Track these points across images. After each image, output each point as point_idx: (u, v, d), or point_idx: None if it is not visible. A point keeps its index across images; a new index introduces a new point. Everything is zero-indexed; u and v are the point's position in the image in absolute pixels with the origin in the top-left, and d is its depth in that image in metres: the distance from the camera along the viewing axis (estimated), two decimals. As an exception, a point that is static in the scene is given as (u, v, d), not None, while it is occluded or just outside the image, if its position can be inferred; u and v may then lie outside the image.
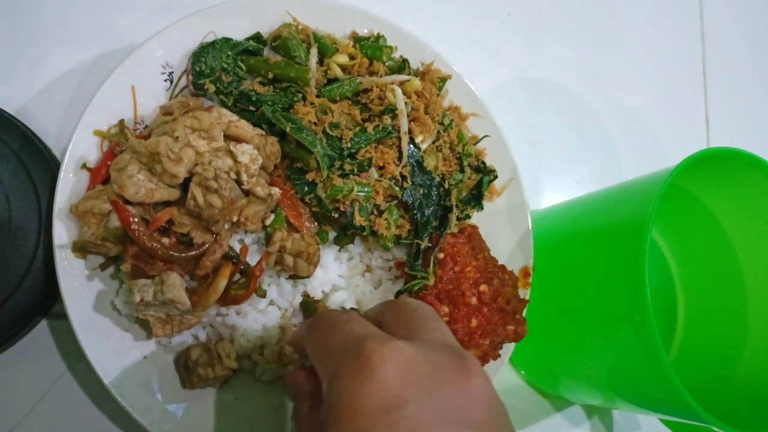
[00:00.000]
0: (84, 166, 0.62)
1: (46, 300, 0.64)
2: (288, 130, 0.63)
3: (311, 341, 0.47)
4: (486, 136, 0.76)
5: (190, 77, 0.67)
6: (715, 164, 0.69)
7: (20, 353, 0.65)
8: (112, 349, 0.60)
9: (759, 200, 0.72)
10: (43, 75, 0.73)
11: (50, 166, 0.66)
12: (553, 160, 0.96)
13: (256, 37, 0.70)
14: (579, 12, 1.05)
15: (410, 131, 0.68)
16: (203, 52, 0.66)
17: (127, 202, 0.57)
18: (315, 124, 0.65)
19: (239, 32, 0.69)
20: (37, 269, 0.63)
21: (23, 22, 0.74)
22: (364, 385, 0.39)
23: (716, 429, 0.60)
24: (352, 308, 0.56)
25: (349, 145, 0.65)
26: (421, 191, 0.68)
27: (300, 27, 0.71)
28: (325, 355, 0.45)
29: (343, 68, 0.70)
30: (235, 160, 0.60)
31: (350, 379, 0.40)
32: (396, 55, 0.74)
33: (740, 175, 0.70)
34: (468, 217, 0.73)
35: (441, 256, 0.66)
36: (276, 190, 0.62)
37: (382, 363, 0.39)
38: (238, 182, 0.60)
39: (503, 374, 0.79)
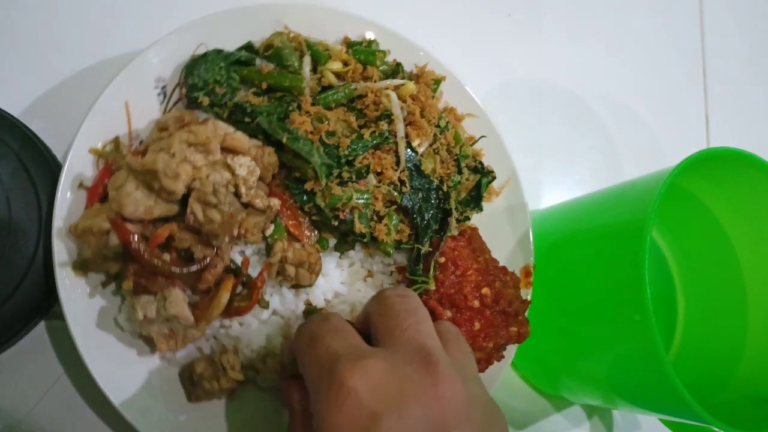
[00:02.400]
0: (81, 185, 0.61)
1: (46, 300, 0.64)
2: (284, 140, 0.63)
3: (298, 356, 0.52)
4: (483, 136, 0.76)
5: (184, 90, 0.66)
6: (715, 164, 0.69)
7: (20, 354, 0.65)
8: (117, 365, 0.60)
9: (759, 200, 0.72)
10: (44, 77, 0.73)
11: (50, 166, 0.66)
12: (553, 160, 0.96)
13: (248, 47, 0.69)
14: (579, 12, 1.05)
15: (407, 135, 0.68)
16: (195, 64, 0.66)
17: (126, 219, 0.57)
18: (311, 132, 0.65)
19: (231, 42, 0.69)
20: (37, 269, 0.63)
21: (26, 25, 0.74)
22: (339, 409, 0.43)
23: (716, 429, 0.60)
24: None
25: (347, 152, 0.65)
26: (420, 195, 0.68)
27: (292, 35, 0.71)
28: (308, 374, 0.49)
29: (337, 75, 0.70)
30: (233, 173, 0.60)
31: (327, 404, 0.44)
32: (389, 58, 0.74)
33: (740, 175, 0.70)
34: (467, 218, 0.73)
35: (442, 260, 0.65)
36: (275, 201, 0.62)
37: (353, 384, 0.43)
38: (237, 195, 0.60)
39: (503, 374, 0.79)
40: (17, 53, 0.73)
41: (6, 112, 0.66)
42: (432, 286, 0.64)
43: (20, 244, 0.62)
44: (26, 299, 0.63)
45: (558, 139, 0.98)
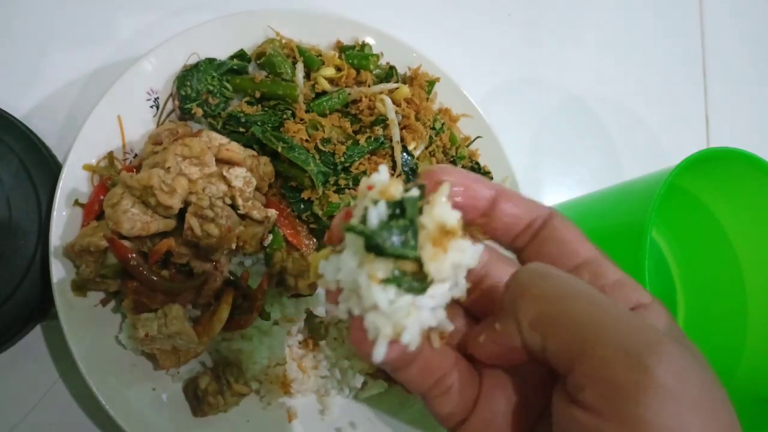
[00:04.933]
0: (76, 202, 0.61)
1: (46, 301, 0.64)
2: (280, 150, 0.62)
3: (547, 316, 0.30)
4: (478, 137, 0.76)
5: (177, 102, 0.66)
6: (715, 164, 0.69)
7: (20, 354, 0.65)
8: (121, 384, 0.60)
9: (759, 200, 0.72)
10: (45, 78, 0.73)
11: (51, 167, 0.66)
12: (553, 160, 0.96)
13: (240, 55, 0.69)
14: (579, 12, 1.05)
15: (402, 139, 0.67)
16: (187, 75, 0.66)
17: (123, 236, 0.57)
18: (306, 140, 0.64)
19: (223, 50, 0.69)
20: (37, 270, 0.63)
21: (28, 25, 0.74)
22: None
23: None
24: None
25: (343, 159, 0.64)
26: (418, 199, 0.68)
27: (284, 41, 0.70)
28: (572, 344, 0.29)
29: (331, 80, 0.70)
30: (229, 185, 0.60)
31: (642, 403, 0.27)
32: (383, 61, 0.74)
33: (740, 175, 0.70)
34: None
35: None
36: (273, 212, 0.62)
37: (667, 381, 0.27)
38: (234, 206, 0.60)
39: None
40: (18, 54, 0.73)
41: (7, 113, 0.66)
42: None
43: (20, 244, 0.62)
44: (26, 299, 0.63)
45: (558, 139, 0.97)
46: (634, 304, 0.33)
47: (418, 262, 0.29)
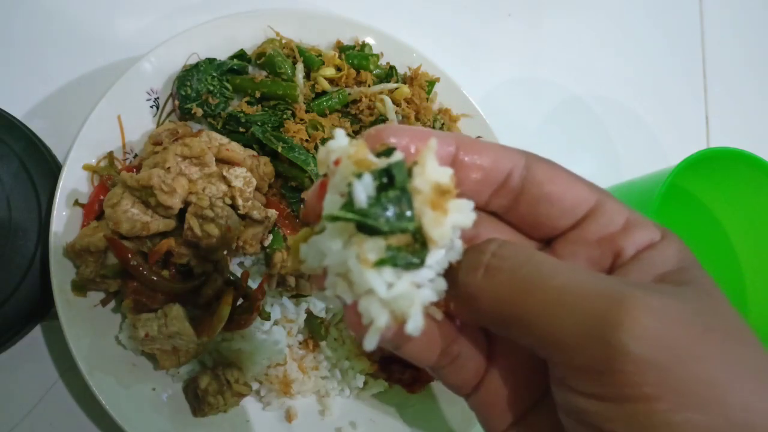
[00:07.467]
0: (76, 202, 0.61)
1: (46, 301, 0.64)
2: (280, 150, 0.63)
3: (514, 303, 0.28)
4: (479, 137, 0.76)
5: (177, 102, 0.66)
6: (715, 164, 0.69)
7: (20, 354, 0.65)
8: (121, 384, 0.60)
9: (759, 200, 0.72)
10: (45, 78, 0.73)
11: (51, 167, 0.66)
12: (553, 160, 0.96)
13: (240, 55, 0.69)
14: (579, 12, 1.05)
15: (402, 140, 0.68)
16: (187, 75, 0.66)
17: (123, 237, 0.57)
18: (306, 140, 0.64)
19: (223, 50, 0.69)
20: (37, 270, 0.63)
21: (28, 26, 0.74)
22: None
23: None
24: None
25: None
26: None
27: (284, 41, 0.70)
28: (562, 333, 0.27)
29: (331, 80, 0.70)
30: (229, 185, 0.60)
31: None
32: (383, 61, 0.74)
33: (740, 175, 0.70)
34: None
35: None
36: (273, 212, 0.62)
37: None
38: (234, 207, 0.60)
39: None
40: (19, 55, 0.73)
41: (7, 113, 0.66)
42: None
43: (20, 244, 0.62)
44: (26, 299, 0.63)
45: (558, 139, 0.97)
46: (645, 245, 0.31)
47: (412, 232, 0.26)
